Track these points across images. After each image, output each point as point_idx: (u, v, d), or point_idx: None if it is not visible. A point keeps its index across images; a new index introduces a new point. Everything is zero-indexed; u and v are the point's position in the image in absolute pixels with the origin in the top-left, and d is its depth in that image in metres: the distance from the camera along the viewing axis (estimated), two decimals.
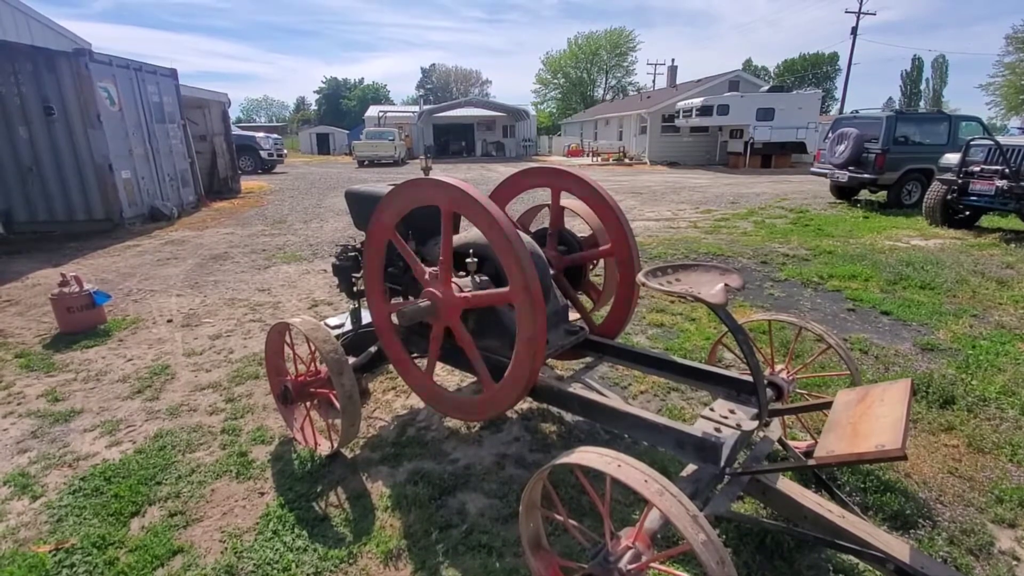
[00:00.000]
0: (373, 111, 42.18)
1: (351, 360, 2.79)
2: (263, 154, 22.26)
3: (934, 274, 5.79)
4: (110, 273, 6.59)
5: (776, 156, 24.50)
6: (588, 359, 2.94)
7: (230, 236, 9.01)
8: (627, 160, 29.84)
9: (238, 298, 5.55)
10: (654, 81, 45.50)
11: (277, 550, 2.15)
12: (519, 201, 8.20)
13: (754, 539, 2.15)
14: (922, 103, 70.68)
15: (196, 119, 14.25)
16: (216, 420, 3.18)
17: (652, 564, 1.55)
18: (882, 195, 11.36)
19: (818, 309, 4.98)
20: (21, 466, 2.76)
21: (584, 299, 3.20)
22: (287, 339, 2.90)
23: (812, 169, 12.76)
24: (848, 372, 2.55)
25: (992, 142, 7.45)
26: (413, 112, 39.98)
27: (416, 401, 3.32)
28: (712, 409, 2.21)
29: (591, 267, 3.24)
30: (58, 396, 3.48)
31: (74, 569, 2.08)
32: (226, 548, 2.18)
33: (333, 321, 3.95)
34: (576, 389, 2.33)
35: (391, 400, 3.39)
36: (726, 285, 2.05)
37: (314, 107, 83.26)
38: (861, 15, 35.04)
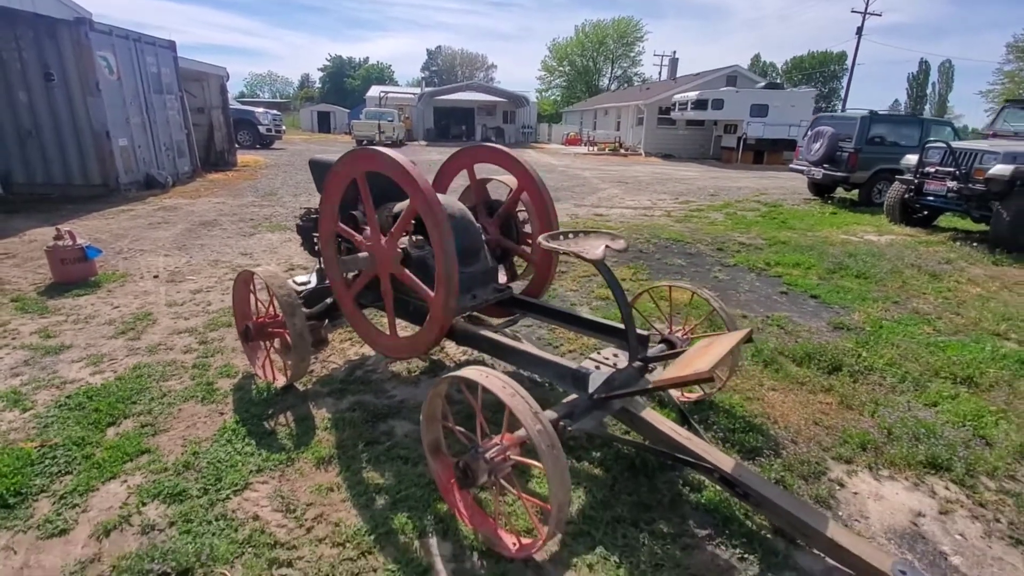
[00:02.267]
0: (375, 91, 42.30)
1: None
2: (261, 129, 22.54)
3: (871, 265, 6.21)
4: (103, 234, 6.97)
5: (768, 152, 24.76)
6: (514, 315, 3.35)
7: (221, 205, 9.38)
8: (623, 151, 30.09)
9: (221, 260, 5.95)
10: (660, 73, 45.62)
11: (228, 453, 2.58)
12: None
13: (626, 460, 2.58)
14: (927, 107, 70.90)
15: (195, 92, 14.55)
16: (189, 358, 3.60)
17: (508, 453, 1.97)
18: (855, 193, 11.74)
19: (755, 291, 5.39)
20: (14, 386, 3.17)
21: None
22: (251, 287, 3.30)
23: (791, 166, 13.14)
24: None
25: (945, 145, 7.83)
26: (415, 94, 40.07)
27: (368, 350, 3.74)
28: (599, 352, 2.64)
29: (523, 228, 3.58)
30: (49, 334, 3.89)
31: (56, 460, 2.50)
32: (185, 451, 2.61)
33: (301, 279, 4.34)
34: (486, 332, 2.75)
35: (346, 348, 3.81)
36: (607, 247, 2.47)
37: (318, 85, 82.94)
38: (867, 15, 35.20)
